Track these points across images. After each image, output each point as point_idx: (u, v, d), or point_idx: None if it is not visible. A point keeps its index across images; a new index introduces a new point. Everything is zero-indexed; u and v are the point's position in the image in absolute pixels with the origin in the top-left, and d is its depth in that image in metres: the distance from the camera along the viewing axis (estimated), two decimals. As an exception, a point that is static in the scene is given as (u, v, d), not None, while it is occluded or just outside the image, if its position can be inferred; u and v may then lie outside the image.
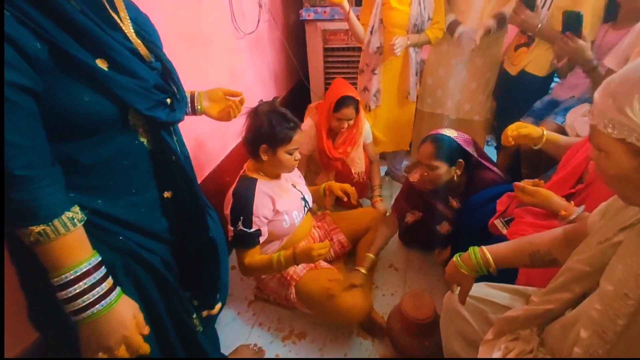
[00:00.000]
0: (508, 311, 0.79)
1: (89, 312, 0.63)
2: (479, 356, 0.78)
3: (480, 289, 0.95)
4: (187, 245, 0.93)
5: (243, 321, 1.50)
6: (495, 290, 0.94)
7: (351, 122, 1.78)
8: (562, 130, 1.60)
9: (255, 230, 1.24)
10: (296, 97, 2.51)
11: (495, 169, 1.48)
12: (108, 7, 0.66)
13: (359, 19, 1.83)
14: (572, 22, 1.30)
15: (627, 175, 0.50)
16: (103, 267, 0.66)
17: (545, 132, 1.26)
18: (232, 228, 1.23)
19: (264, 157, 1.25)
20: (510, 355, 0.71)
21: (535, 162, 1.66)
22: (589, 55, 1.31)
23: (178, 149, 0.87)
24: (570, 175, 1.10)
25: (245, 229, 1.22)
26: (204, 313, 1.06)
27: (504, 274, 1.06)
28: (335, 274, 1.40)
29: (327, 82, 2.37)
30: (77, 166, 0.67)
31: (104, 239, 0.71)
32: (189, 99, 1.05)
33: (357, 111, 1.77)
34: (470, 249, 0.90)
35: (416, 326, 1.17)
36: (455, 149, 1.42)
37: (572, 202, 1.02)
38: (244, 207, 1.23)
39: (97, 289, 0.64)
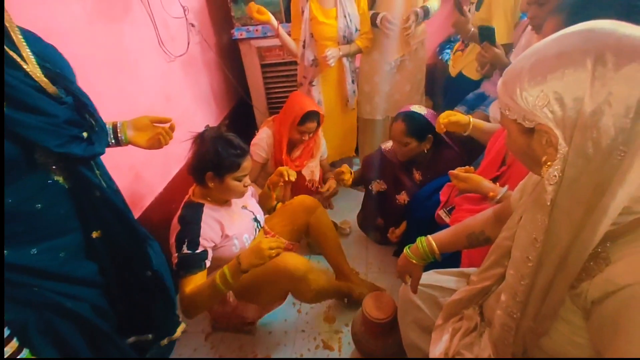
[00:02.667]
0: (453, 295, 0.82)
1: None
2: (432, 341, 0.80)
3: (429, 277, 0.99)
4: (127, 283, 0.87)
5: (201, 358, 1.41)
6: (443, 275, 0.99)
7: (311, 135, 1.83)
8: (489, 120, 1.77)
9: (202, 252, 1.16)
10: (239, 115, 2.49)
11: (456, 148, 1.59)
12: (5, 46, 0.62)
13: (290, 35, 1.88)
14: (487, 35, 1.48)
15: (522, 150, 0.56)
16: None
17: (471, 120, 1.37)
18: (176, 254, 1.15)
19: (210, 184, 1.20)
20: (458, 335, 0.75)
21: (469, 149, 1.81)
22: (505, 60, 1.49)
23: (103, 183, 0.82)
24: (495, 159, 1.20)
25: (189, 251, 1.14)
26: (164, 341, 1.00)
27: (451, 260, 1.11)
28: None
29: (268, 98, 2.38)
30: None
31: (13, 295, 0.63)
32: (111, 130, 0.98)
33: (319, 124, 1.81)
34: (418, 239, 0.96)
35: (378, 326, 1.18)
36: (425, 125, 1.52)
37: (497, 183, 1.10)
38: (190, 230, 1.16)
39: None
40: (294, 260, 1.25)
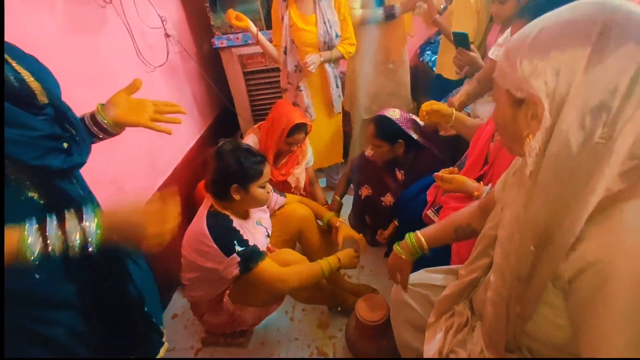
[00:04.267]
0: (443, 291, 0.82)
1: None
2: (425, 340, 0.80)
3: (420, 276, 0.99)
4: (107, 302, 0.83)
5: (197, 358, 1.38)
6: (433, 273, 0.98)
7: (299, 145, 1.84)
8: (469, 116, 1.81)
9: (254, 245, 1.17)
10: (223, 123, 2.47)
11: (434, 149, 1.62)
12: None
13: (271, 41, 1.88)
14: (460, 40, 1.53)
15: (507, 124, 0.57)
16: None
17: (454, 112, 1.39)
18: (234, 255, 1.13)
19: (236, 197, 1.18)
20: (451, 332, 0.74)
21: (452, 150, 1.83)
22: (480, 63, 1.53)
23: (81, 197, 0.79)
24: (478, 159, 1.22)
25: (243, 248, 1.14)
26: None
27: (440, 257, 1.12)
28: None
29: (252, 105, 2.38)
30: None
31: None
32: (90, 121, 0.84)
33: (307, 133, 1.82)
34: (407, 235, 0.97)
35: (371, 328, 1.17)
36: (395, 130, 1.54)
37: (481, 182, 1.12)
38: (230, 233, 1.15)
39: None
40: (292, 255, 1.31)
